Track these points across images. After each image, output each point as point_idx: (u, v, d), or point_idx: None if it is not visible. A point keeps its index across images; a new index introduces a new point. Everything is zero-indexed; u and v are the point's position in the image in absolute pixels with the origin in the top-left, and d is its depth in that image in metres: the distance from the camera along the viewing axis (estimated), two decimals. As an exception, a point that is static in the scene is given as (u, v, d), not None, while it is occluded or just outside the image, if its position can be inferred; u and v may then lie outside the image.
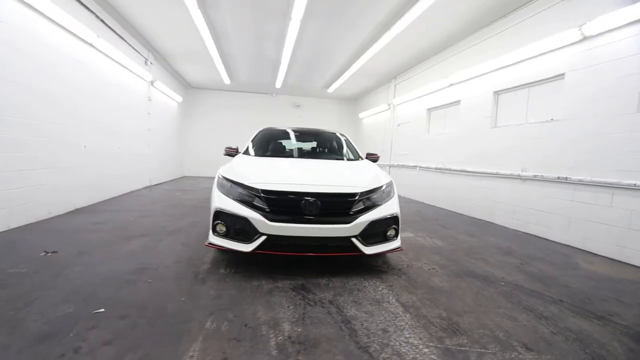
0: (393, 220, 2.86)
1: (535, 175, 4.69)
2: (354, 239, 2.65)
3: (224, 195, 2.79)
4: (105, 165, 5.77)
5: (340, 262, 3.05)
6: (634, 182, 3.48)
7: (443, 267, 3.13)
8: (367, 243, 2.71)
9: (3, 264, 2.66)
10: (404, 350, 1.75)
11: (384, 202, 2.86)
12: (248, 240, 2.62)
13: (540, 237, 4.51)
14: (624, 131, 3.64)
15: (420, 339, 1.87)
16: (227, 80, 10.00)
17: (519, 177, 4.98)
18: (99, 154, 5.52)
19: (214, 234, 2.77)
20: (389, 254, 3.29)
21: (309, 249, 2.66)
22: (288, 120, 12.66)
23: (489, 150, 5.71)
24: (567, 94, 4.34)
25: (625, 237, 3.57)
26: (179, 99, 10.32)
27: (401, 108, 9.11)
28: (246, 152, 3.98)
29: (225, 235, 2.72)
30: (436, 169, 7.20)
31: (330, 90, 10.90)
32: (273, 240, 2.58)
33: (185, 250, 3.30)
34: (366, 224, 2.67)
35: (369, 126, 11.70)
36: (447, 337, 1.91)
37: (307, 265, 2.92)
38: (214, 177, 3.12)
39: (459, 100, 6.58)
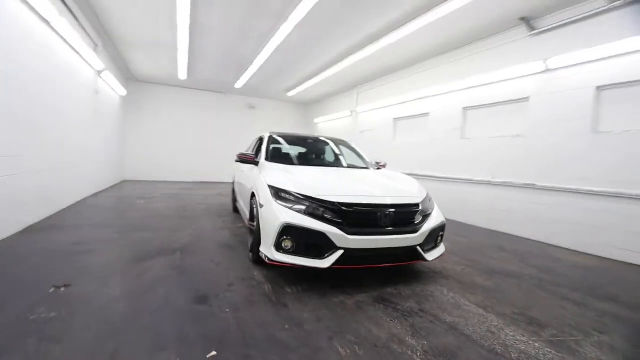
0: (442, 228, 3.08)
1: (505, 182, 5.51)
2: (418, 247, 2.78)
3: (288, 209, 2.61)
4: (46, 174, 4.55)
5: (381, 271, 3.10)
6: (590, 188, 4.41)
7: (470, 267, 3.47)
8: (425, 250, 2.86)
9: (12, 309, 2.02)
10: (522, 348, 1.94)
11: (433, 210, 3.06)
12: (321, 255, 2.52)
13: (514, 235, 5.28)
14: (580, 147, 4.57)
15: (522, 335, 2.10)
16: (183, 76, 9.07)
17: (490, 183, 5.78)
18: (37, 161, 4.23)
19: (278, 251, 2.58)
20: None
21: (382, 260, 2.68)
22: (241, 121, 12.12)
23: (459, 158, 6.46)
24: (531, 114, 5.22)
25: (582, 232, 4.48)
26: (123, 92, 8.95)
27: (365, 116, 9.58)
28: (269, 161, 3.76)
29: (294, 252, 2.56)
30: (402, 173, 7.79)
31: (291, 94, 10.82)
32: (349, 254, 2.53)
33: (224, 267, 2.97)
34: (428, 232, 2.82)
35: (325, 131, 11.94)
36: (539, 330, 2.17)
37: (354, 278, 2.88)
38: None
39: (428, 113, 7.27)
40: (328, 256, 2.50)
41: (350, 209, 2.58)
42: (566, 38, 4.69)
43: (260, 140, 4.86)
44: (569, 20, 4.60)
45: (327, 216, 2.57)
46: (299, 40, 6.26)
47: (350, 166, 4.03)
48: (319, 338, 1.91)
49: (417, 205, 2.86)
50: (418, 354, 1.82)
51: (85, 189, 6.38)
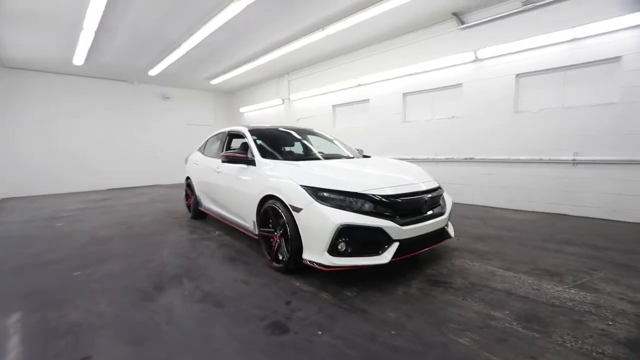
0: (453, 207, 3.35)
1: (447, 158, 6.31)
2: (445, 227, 2.98)
3: (335, 209, 2.43)
4: None
5: (409, 258, 3.20)
6: (516, 157, 5.44)
7: (459, 236, 3.88)
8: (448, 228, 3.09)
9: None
10: (567, 296, 2.33)
11: (444, 192, 3.30)
12: (377, 251, 2.45)
13: (462, 203, 6.12)
14: (506, 125, 5.56)
15: (556, 285, 2.51)
16: (79, 61, 7.12)
17: (434, 160, 6.53)
18: None
19: (333, 255, 2.39)
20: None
21: (423, 245, 2.77)
22: (154, 113, 10.44)
23: (402, 140, 7.06)
24: (465, 98, 6.05)
25: (513, 194, 5.54)
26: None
27: (300, 103, 9.45)
28: (267, 158, 3.37)
29: (351, 253, 2.42)
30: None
31: (215, 82, 9.79)
32: (402, 245, 2.53)
33: (258, 285, 2.58)
34: (449, 211, 3.04)
35: (254, 120, 11.33)
36: (559, 278, 2.63)
37: (389, 268, 2.81)
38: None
39: (369, 99, 7.65)
40: (385, 251, 2.45)
41: (399, 200, 2.57)
42: (492, 32, 5.53)
43: (231, 136, 4.33)
44: (493, 17, 5.44)
45: (378, 210, 2.49)
46: (243, 20, 5.65)
47: (347, 156, 3.94)
48: (431, 334, 1.89)
49: (440, 188, 3.04)
50: (514, 324, 1.98)
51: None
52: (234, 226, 3.86)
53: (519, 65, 5.33)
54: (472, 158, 5.99)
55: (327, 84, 8.34)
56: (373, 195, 2.50)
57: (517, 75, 5.38)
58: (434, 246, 3.01)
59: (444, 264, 3.02)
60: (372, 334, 1.89)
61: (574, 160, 4.87)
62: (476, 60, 5.77)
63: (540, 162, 5.20)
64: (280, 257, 2.89)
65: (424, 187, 2.82)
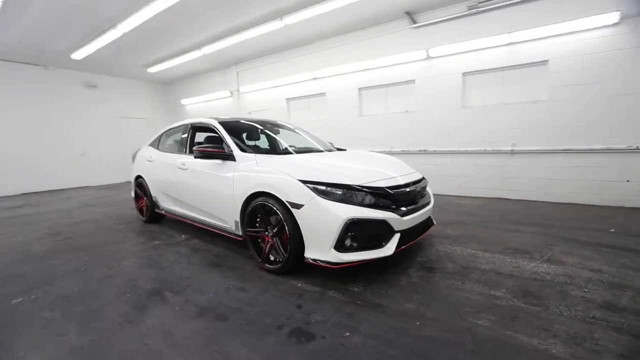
0: (429, 195, 3.52)
1: (403, 150, 6.65)
2: (430, 215, 3.11)
3: (339, 203, 2.35)
4: None
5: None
6: (465, 149, 5.98)
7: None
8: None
9: None
10: (540, 270, 2.63)
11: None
12: (380, 244, 2.45)
13: (414, 193, 6.53)
14: (455, 119, 6.06)
15: (530, 261, 2.81)
16: (-29, 36, 5.66)
17: (390, 153, 6.81)
18: None
19: (340, 251, 2.31)
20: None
21: (416, 235, 2.84)
22: (77, 104, 8.95)
23: (360, 134, 7.22)
24: (417, 94, 6.42)
25: (462, 182, 6.10)
26: None
27: (251, 96, 9.01)
28: (246, 151, 3.11)
29: (357, 248, 2.36)
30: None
31: (153, 70, 8.73)
32: (402, 235, 2.56)
33: (256, 292, 2.36)
34: (433, 200, 3.19)
35: (198, 113, 10.47)
36: (530, 254, 2.96)
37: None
38: None
39: (324, 93, 7.63)
40: (387, 243, 2.45)
41: (398, 191, 2.59)
42: (441, 33, 5.93)
43: (195, 129, 3.90)
44: (442, 19, 5.83)
45: (379, 203, 2.48)
46: (195, 5, 5.13)
47: (322, 150, 3.83)
48: (452, 320, 1.94)
49: (425, 178, 3.16)
50: (515, 301, 2.15)
51: None
52: (206, 228, 3.50)
53: (465, 64, 5.83)
54: (425, 150, 6.41)
55: (281, 76, 8.09)
56: (375, 187, 2.48)
57: (464, 73, 5.88)
58: (424, 235, 3.13)
59: (428, 250, 3.17)
60: (400, 327, 1.88)
61: (512, 150, 5.53)
62: (428, 58, 6.15)
63: (485, 152, 5.80)
64: (273, 258, 2.72)
65: (415, 178, 2.90)
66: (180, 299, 2.30)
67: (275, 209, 2.56)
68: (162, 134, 4.50)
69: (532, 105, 5.32)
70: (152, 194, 4.32)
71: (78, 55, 7.08)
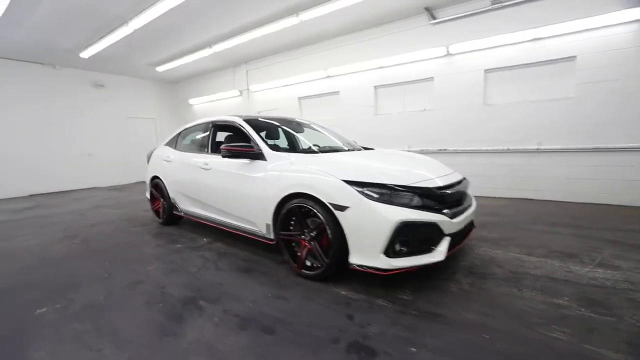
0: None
1: (421, 149, 6.48)
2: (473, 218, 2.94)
3: (388, 205, 2.18)
4: None
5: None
6: (486, 148, 5.81)
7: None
8: (470, 218, 3.07)
9: None
10: (594, 275, 2.46)
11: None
12: (429, 248, 2.28)
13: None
14: (476, 117, 5.89)
15: (582, 267, 2.64)
16: (-20, 34, 5.51)
17: (408, 151, 6.64)
18: None
19: (389, 256, 2.14)
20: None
21: (462, 237, 2.67)
22: (84, 104, 8.80)
23: (375, 133, 7.05)
24: (436, 92, 6.25)
25: (484, 182, 5.92)
26: None
27: (261, 95, 8.84)
28: (277, 150, 2.96)
29: (406, 253, 2.19)
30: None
31: (162, 69, 8.56)
32: (452, 239, 2.39)
33: (307, 302, 2.20)
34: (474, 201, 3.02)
35: (206, 113, 10.31)
36: (579, 259, 2.79)
37: None
38: None
39: (339, 91, 7.46)
40: (437, 247, 2.28)
41: (447, 192, 2.42)
42: (462, 29, 5.76)
43: (216, 127, 3.74)
44: (463, 15, 5.67)
45: (427, 204, 2.31)
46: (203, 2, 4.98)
47: (351, 149, 3.66)
48: (522, 332, 1.77)
49: (466, 178, 2.99)
50: (583, 310, 1.98)
51: None
52: (231, 231, 3.34)
53: (487, 61, 5.66)
54: (445, 149, 6.24)
55: (292, 75, 7.92)
56: (423, 188, 2.31)
57: (486, 70, 5.72)
58: (468, 237, 2.96)
59: (469, 254, 3.00)
60: (469, 341, 1.71)
61: (537, 149, 5.36)
62: (448, 55, 5.99)
63: (508, 151, 5.63)
64: (309, 263, 2.55)
65: (458, 178, 2.74)
66: (218, 309, 2.13)
67: (315, 211, 2.40)
68: (179, 133, 4.33)
69: (558, 102, 5.15)
70: (170, 195, 4.15)
71: (86, 53, 6.90)
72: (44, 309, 2.20)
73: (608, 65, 4.71)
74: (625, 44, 4.56)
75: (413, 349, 1.65)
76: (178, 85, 11.12)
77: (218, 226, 3.51)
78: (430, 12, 5.96)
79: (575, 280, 2.39)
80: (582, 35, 4.85)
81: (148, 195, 4.75)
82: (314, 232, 2.48)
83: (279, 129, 3.70)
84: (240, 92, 9.11)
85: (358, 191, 2.23)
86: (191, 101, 10.38)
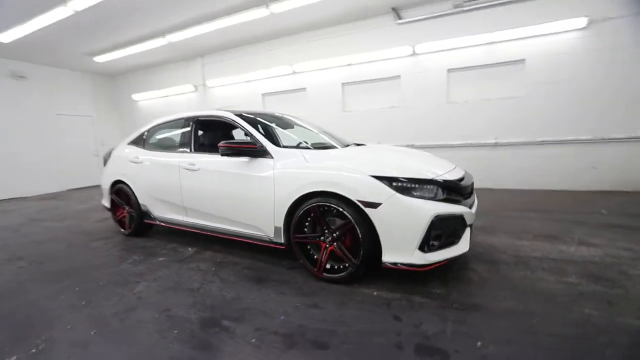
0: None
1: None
2: (472, 209, 3.07)
3: (420, 199, 2.14)
4: None
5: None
6: (450, 142, 6.20)
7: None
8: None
9: None
10: (584, 253, 2.75)
11: None
12: (454, 240, 2.30)
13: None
14: (440, 114, 6.25)
15: (567, 247, 2.93)
16: None
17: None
18: None
19: (424, 251, 2.11)
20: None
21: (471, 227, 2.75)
22: (3, 98, 7.30)
23: (343, 129, 6.99)
24: (403, 89, 6.48)
25: (449, 174, 6.32)
26: None
27: (220, 91, 8.27)
28: (281, 146, 2.77)
29: (437, 247, 2.18)
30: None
31: (100, 59, 7.45)
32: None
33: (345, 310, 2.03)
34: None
35: (154, 110, 9.31)
36: (561, 241, 3.09)
37: None
38: None
39: (305, 88, 7.32)
40: (460, 239, 2.32)
41: (463, 184, 2.46)
42: (426, 30, 6.04)
43: (198, 124, 3.35)
44: (428, 16, 5.95)
45: (450, 197, 2.32)
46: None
47: (344, 145, 3.55)
48: (561, 313, 1.86)
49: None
50: (593, 285, 2.18)
51: None
52: (224, 237, 3.02)
53: (450, 61, 6.03)
54: (412, 145, 6.49)
55: (256, 70, 7.54)
56: (448, 180, 2.32)
57: (449, 70, 6.09)
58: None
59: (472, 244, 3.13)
60: (522, 328, 1.75)
61: (495, 143, 5.88)
62: (414, 54, 6.23)
63: (470, 146, 6.09)
64: (328, 266, 2.41)
65: (462, 170, 2.82)
66: (248, 328, 1.87)
67: (338, 210, 2.26)
68: (147, 130, 3.79)
69: (512, 100, 5.70)
70: (141, 201, 3.61)
71: (5, 37, 5.68)
72: (14, 358, 1.71)
73: (554, 67, 5.34)
74: (569, 49, 5.21)
75: (479, 343, 1.63)
76: (118, 79, 9.85)
77: (206, 233, 3.15)
78: (396, 12, 6.14)
79: (570, 259, 2.63)
80: (531, 40, 5.41)
81: (107, 204, 4.09)
82: (337, 233, 2.34)
83: (272, 126, 3.45)
84: (195, 87, 8.42)
85: (389, 186, 2.15)
86: (135, 97, 9.29)
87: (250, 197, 2.71)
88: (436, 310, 1.96)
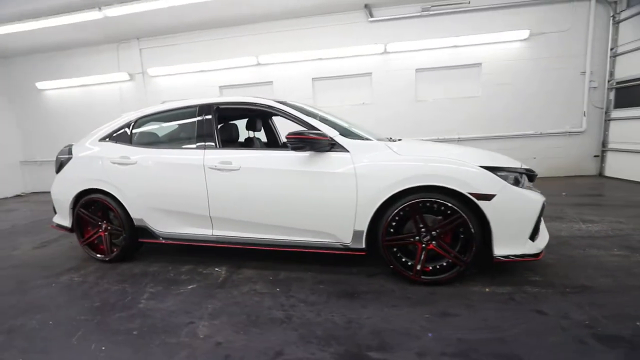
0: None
1: (364, 143, 6.70)
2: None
3: (522, 189, 2.13)
4: None
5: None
6: (420, 139, 6.55)
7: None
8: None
9: None
10: (593, 229, 3.18)
11: None
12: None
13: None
14: (409, 111, 6.56)
15: (574, 224, 3.35)
16: None
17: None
18: None
19: (533, 240, 2.11)
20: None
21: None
22: None
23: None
24: (374, 87, 6.59)
25: (419, 169, 6.69)
26: None
27: (165, 81, 7.03)
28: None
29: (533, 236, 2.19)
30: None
31: (-7, 30, 5.50)
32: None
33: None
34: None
35: (68, 101, 7.38)
36: (568, 220, 3.53)
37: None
38: None
39: (272, 81, 6.80)
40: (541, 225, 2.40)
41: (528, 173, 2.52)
42: (397, 30, 6.26)
43: (222, 111, 2.75)
44: (399, 17, 6.18)
45: (528, 186, 2.38)
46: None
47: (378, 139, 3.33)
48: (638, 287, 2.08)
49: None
50: (631, 255, 2.51)
51: None
52: (255, 248, 2.52)
53: (418, 61, 6.37)
54: (386, 141, 6.67)
55: (213, 59, 6.66)
56: (529, 169, 2.37)
57: (417, 69, 6.43)
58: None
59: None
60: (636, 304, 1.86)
61: (458, 138, 6.46)
62: (385, 52, 6.38)
63: (438, 141, 6.55)
64: (419, 267, 2.21)
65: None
66: (409, 355, 1.54)
67: (444, 204, 2.08)
68: (135, 122, 2.89)
69: (471, 100, 6.35)
70: (134, 215, 2.74)
71: None
72: None
73: (503, 71, 6.13)
74: (515, 56, 6.04)
75: (638, 323, 1.67)
76: (13, 62, 7.47)
77: (237, 246, 2.57)
78: (369, 9, 6.18)
79: (596, 235, 3.01)
80: (486, 47, 6.11)
81: (64, 223, 3.00)
82: (437, 230, 2.15)
83: (324, 115, 3.05)
84: (131, 75, 6.98)
85: (500, 177, 2.07)
86: (40, 85, 7.20)
87: (322, 198, 2.30)
88: (564, 298, 1.96)
